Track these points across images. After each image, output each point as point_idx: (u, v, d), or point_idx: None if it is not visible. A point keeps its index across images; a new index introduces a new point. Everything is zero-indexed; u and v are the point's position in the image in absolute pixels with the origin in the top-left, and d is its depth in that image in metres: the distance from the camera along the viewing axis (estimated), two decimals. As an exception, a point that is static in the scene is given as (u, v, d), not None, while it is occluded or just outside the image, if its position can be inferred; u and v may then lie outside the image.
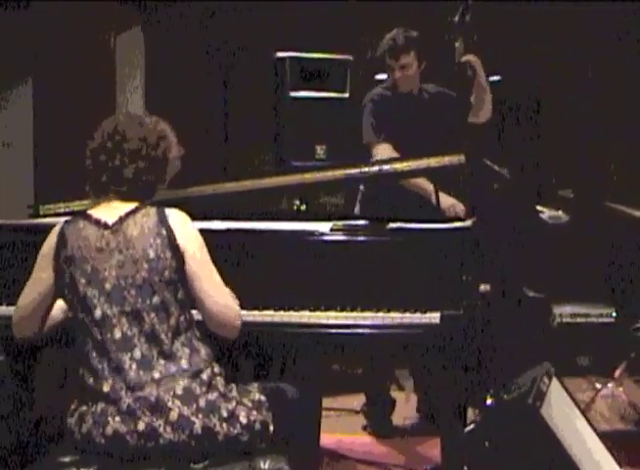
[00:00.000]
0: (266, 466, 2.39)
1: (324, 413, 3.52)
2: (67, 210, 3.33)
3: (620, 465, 2.86)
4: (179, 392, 2.36)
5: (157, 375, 2.37)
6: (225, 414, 2.37)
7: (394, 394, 4.39)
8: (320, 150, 4.51)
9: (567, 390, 2.90)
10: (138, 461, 2.34)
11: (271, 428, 2.44)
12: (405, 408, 4.36)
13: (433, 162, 3.35)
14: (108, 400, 2.35)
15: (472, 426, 2.76)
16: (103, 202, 2.52)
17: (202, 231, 2.53)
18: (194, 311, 2.52)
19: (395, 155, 3.94)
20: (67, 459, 2.37)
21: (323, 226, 3.05)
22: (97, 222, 2.46)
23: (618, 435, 4.10)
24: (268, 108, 4.64)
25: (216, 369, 2.47)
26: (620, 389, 4.28)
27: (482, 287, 3.04)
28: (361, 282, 2.92)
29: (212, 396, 2.39)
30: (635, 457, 3.39)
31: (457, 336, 2.76)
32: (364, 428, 4.26)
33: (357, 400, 4.37)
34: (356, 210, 4.21)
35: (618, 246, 4.74)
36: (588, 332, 4.52)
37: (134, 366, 2.37)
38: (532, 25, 5.66)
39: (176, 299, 2.44)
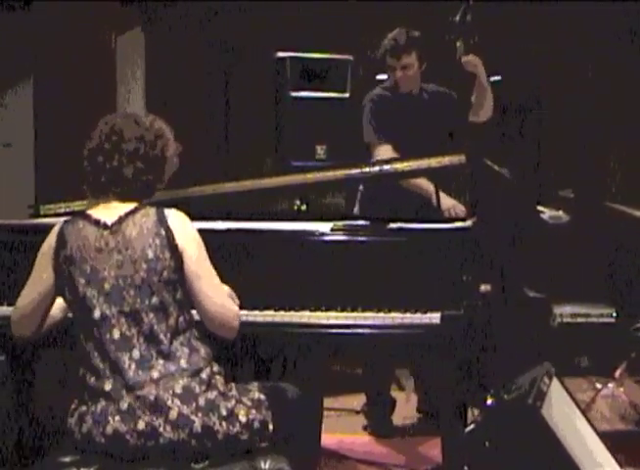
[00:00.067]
0: (267, 466, 2.39)
1: (324, 413, 3.52)
2: (67, 210, 3.32)
3: (621, 465, 2.85)
4: (178, 391, 2.36)
5: (156, 375, 2.37)
6: (224, 413, 2.38)
7: (395, 394, 4.38)
8: (320, 150, 4.52)
9: (567, 390, 2.89)
10: (138, 461, 2.34)
11: (270, 427, 2.44)
12: (405, 408, 4.35)
13: (433, 162, 3.34)
14: (108, 400, 2.35)
15: (472, 426, 2.76)
16: (102, 202, 2.52)
17: (201, 231, 2.53)
18: (193, 311, 2.52)
19: (396, 155, 3.93)
20: (67, 459, 2.38)
21: (323, 226, 3.05)
22: (96, 222, 2.46)
23: (619, 435, 4.10)
24: (269, 108, 4.65)
25: (215, 368, 2.47)
26: (621, 389, 4.27)
27: (483, 287, 3.04)
28: (362, 282, 2.92)
29: (212, 394, 2.39)
30: (635, 457, 3.38)
31: (457, 336, 2.76)
32: (364, 428, 4.25)
33: (358, 400, 4.36)
34: (356, 210, 4.19)
35: (619, 246, 4.74)
36: (588, 332, 4.52)
37: (133, 366, 2.37)
38: (532, 25, 5.65)
39: (175, 299, 2.44)
